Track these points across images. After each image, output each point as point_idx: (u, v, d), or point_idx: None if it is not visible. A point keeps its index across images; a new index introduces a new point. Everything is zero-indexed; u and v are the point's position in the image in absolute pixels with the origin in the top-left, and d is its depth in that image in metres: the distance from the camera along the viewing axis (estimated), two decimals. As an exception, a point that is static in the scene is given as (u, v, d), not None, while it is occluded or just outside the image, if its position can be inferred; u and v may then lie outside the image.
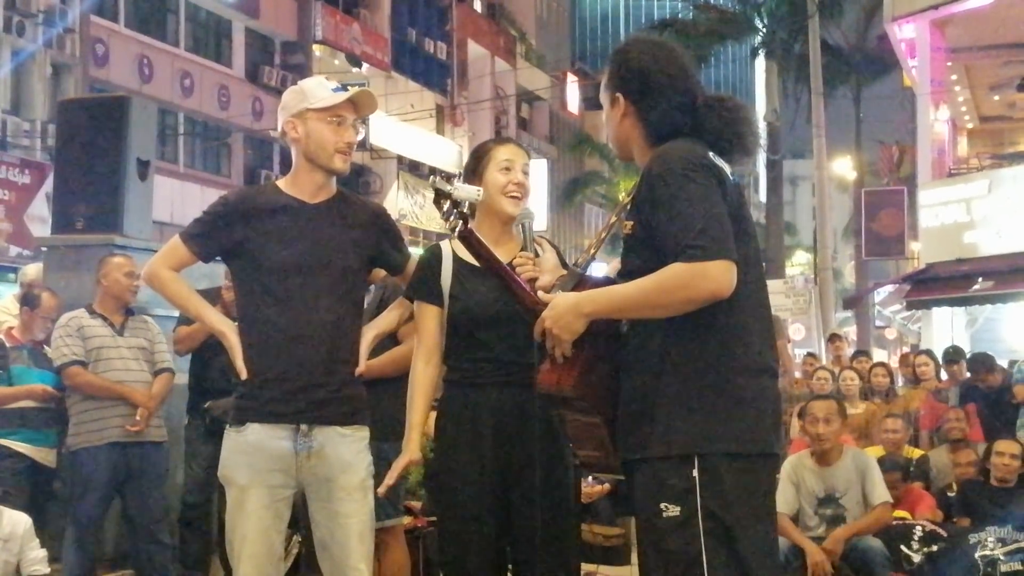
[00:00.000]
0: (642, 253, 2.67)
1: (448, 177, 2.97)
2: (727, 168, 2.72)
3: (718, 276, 2.53)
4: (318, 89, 3.38)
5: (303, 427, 3.29)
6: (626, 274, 2.71)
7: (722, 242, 2.56)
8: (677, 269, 2.53)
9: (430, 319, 3.40)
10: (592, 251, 2.86)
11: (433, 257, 3.43)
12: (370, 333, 3.47)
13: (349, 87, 3.46)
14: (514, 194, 3.36)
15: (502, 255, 3.28)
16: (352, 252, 3.38)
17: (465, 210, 2.97)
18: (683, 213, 2.57)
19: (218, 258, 3.53)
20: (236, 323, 3.42)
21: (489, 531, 3.32)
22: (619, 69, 2.85)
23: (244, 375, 3.32)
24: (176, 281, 3.44)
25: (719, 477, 2.59)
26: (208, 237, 3.40)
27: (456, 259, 3.39)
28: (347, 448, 3.33)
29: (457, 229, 2.91)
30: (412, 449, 3.36)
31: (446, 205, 2.91)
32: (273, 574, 3.37)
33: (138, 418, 5.46)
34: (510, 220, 3.38)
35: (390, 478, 3.38)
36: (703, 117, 2.75)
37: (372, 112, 3.49)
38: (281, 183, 3.45)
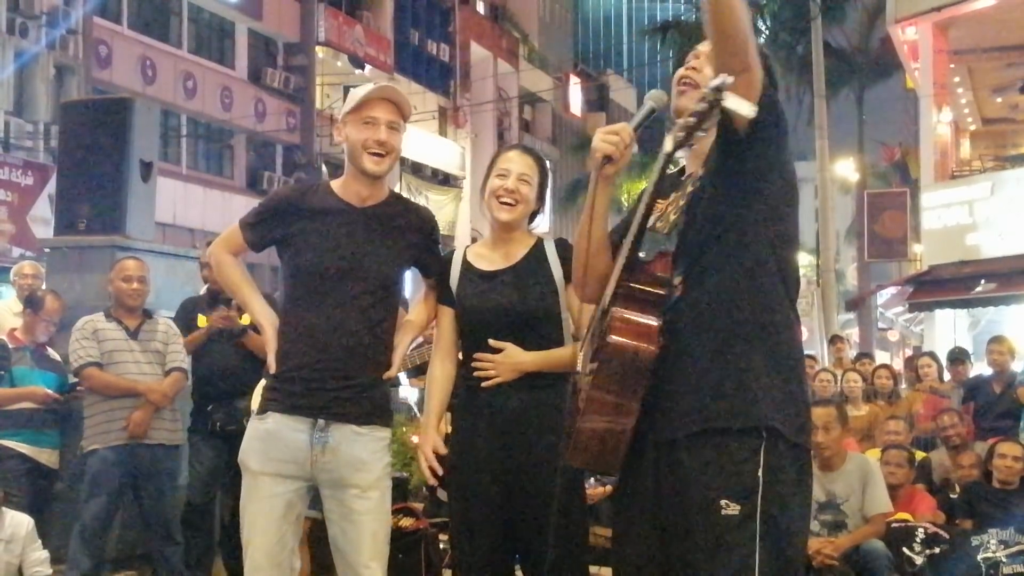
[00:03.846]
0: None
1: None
2: None
3: None
4: (355, 93, 3.43)
5: (320, 422, 3.32)
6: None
7: None
8: None
9: (446, 320, 3.50)
10: (674, 217, 2.68)
11: (446, 263, 3.52)
12: (407, 337, 3.51)
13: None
14: (504, 200, 3.38)
15: (500, 259, 3.41)
16: (394, 258, 3.43)
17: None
18: None
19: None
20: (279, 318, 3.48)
21: (492, 531, 3.35)
22: (767, 57, 2.75)
23: (273, 369, 3.38)
24: (232, 266, 3.53)
25: (780, 478, 2.54)
26: (260, 227, 3.46)
27: (464, 262, 3.47)
28: (363, 447, 3.35)
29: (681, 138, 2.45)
30: (430, 435, 3.41)
31: (708, 116, 2.42)
32: (285, 564, 3.37)
33: (136, 415, 5.42)
34: (503, 227, 3.42)
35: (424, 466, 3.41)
36: None
37: (405, 105, 3.45)
38: (334, 184, 3.51)
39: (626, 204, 23.38)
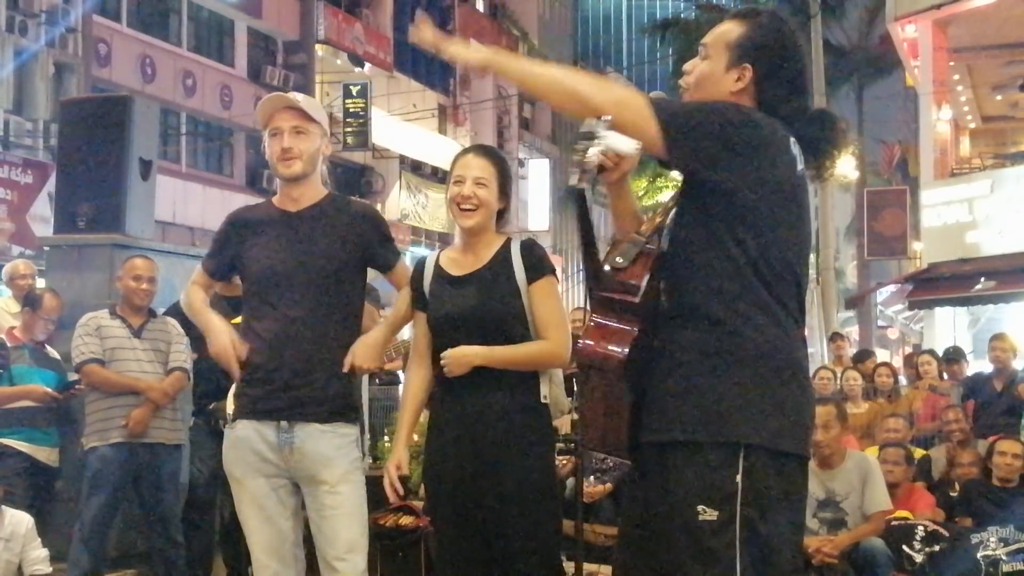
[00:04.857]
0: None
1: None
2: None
3: None
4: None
5: (283, 423, 3.42)
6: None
7: None
8: None
9: (420, 325, 3.52)
10: (659, 220, 2.64)
11: (419, 267, 3.55)
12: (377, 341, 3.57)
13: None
14: (464, 207, 3.40)
15: (469, 263, 3.43)
16: (337, 254, 3.50)
17: (593, 164, 2.47)
18: None
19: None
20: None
21: (465, 531, 3.38)
22: (760, 35, 2.64)
23: (237, 376, 3.52)
24: (194, 299, 3.71)
25: (761, 484, 2.49)
26: (216, 256, 3.67)
27: (436, 267, 3.49)
28: (327, 443, 3.43)
29: (578, 178, 2.41)
30: (396, 451, 3.49)
31: (590, 148, 2.41)
32: (289, 558, 3.50)
33: (136, 412, 5.41)
34: (467, 232, 3.44)
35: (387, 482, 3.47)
36: (809, 127, 2.66)
37: (304, 106, 3.52)
38: (274, 198, 3.64)
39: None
